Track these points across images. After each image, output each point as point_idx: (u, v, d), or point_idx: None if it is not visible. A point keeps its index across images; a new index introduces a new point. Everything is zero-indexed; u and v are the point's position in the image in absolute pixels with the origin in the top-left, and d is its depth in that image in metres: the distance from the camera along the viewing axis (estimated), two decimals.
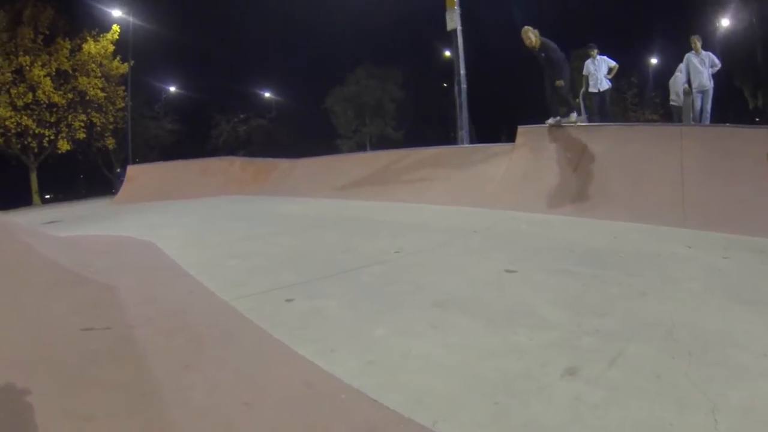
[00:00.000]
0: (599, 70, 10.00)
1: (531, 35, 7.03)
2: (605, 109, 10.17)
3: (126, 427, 1.53)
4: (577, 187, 6.27)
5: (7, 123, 24.10)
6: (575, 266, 3.29)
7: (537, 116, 7.47)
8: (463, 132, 12.40)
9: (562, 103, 7.28)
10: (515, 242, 4.31)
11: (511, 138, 8.15)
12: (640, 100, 34.04)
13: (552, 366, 1.81)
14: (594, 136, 6.95)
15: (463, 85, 12.51)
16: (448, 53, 23.99)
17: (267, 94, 46.03)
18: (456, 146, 11.47)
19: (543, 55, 7.13)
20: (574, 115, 7.24)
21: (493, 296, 2.74)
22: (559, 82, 7.01)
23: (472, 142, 12.42)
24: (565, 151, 6.95)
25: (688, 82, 9.12)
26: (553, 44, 7.12)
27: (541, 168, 6.99)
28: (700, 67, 8.90)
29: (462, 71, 12.55)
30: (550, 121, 7.24)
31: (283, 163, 14.48)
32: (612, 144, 6.53)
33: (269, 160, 15.62)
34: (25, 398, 1.57)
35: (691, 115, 9.20)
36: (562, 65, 7.18)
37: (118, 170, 33.50)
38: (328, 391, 1.77)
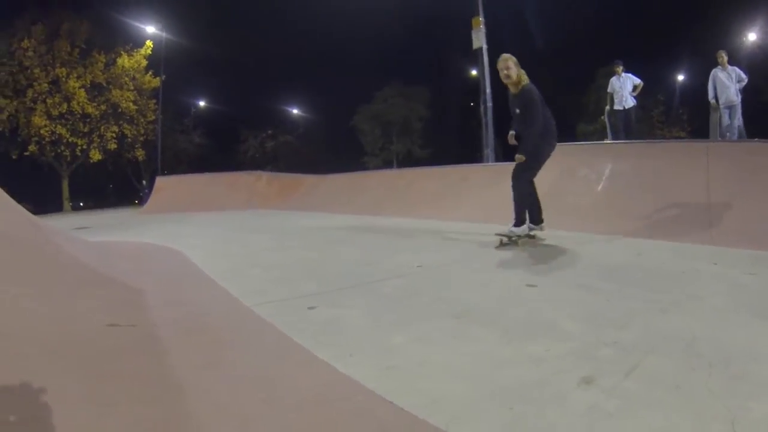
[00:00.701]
0: (624, 88, 9.94)
1: (512, 66, 4.82)
2: (630, 126, 10.10)
3: (147, 413, 1.60)
4: (601, 205, 6.25)
5: (41, 131, 25.08)
6: (596, 281, 3.27)
7: (561, 135, 7.25)
8: (488, 150, 12.43)
9: (516, 193, 5.04)
10: (537, 258, 4.30)
11: None
12: (666, 117, 33.67)
13: (568, 375, 1.81)
14: (618, 153, 6.94)
15: (489, 104, 12.63)
16: (474, 72, 24.12)
17: (295, 111, 46.78)
18: (481, 164, 11.50)
19: (517, 110, 4.98)
20: (520, 229, 4.95)
21: (513, 309, 2.75)
22: (519, 157, 4.84)
23: (497, 160, 12.43)
24: (589, 169, 6.92)
25: (716, 97, 9.02)
26: (537, 94, 4.84)
27: (564, 186, 6.96)
28: (727, 82, 8.82)
29: (488, 90, 12.63)
30: (500, 230, 5.03)
31: (309, 179, 14.74)
32: (637, 161, 6.50)
33: (295, 176, 15.92)
34: (50, 385, 1.63)
35: (718, 130, 9.08)
36: (535, 130, 4.82)
37: (144, 182, 34.32)
38: (345, 392, 1.80)
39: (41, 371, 1.70)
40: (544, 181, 7.29)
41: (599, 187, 6.56)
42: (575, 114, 36.67)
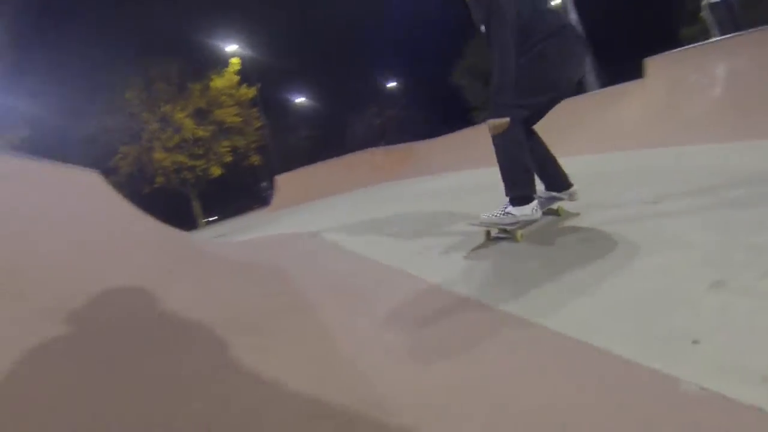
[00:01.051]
0: None
1: None
2: (735, 15, 9.02)
3: (298, 352, 1.99)
4: (721, 111, 5.80)
5: (163, 164, 28.22)
6: (723, 190, 3.13)
7: (662, 45, 6.66)
8: (592, 76, 11.92)
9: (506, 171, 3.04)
10: (658, 177, 4.17)
11: (640, 73, 7.69)
12: None
13: (698, 281, 1.83)
14: (730, 49, 6.30)
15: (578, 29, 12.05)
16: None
17: (393, 84, 47.60)
18: (585, 94, 11.03)
19: (482, 27, 2.94)
20: (526, 209, 2.96)
21: (635, 228, 2.75)
22: (499, 122, 2.89)
23: (602, 84, 11.81)
24: (701, 75, 6.44)
25: None
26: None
27: (677, 98, 6.57)
28: None
29: (574, 16, 12.00)
30: (484, 217, 3.06)
31: (421, 146, 15.21)
32: (753, 54, 5.90)
33: (407, 145, 16.45)
34: (223, 340, 2.06)
35: None
36: (502, 53, 2.79)
37: (263, 184, 36.73)
38: (483, 315, 2.07)
39: (213, 338, 2.12)
40: (654, 97, 6.91)
41: (715, 91, 6.08)
42: (672, 19, 33.20)
